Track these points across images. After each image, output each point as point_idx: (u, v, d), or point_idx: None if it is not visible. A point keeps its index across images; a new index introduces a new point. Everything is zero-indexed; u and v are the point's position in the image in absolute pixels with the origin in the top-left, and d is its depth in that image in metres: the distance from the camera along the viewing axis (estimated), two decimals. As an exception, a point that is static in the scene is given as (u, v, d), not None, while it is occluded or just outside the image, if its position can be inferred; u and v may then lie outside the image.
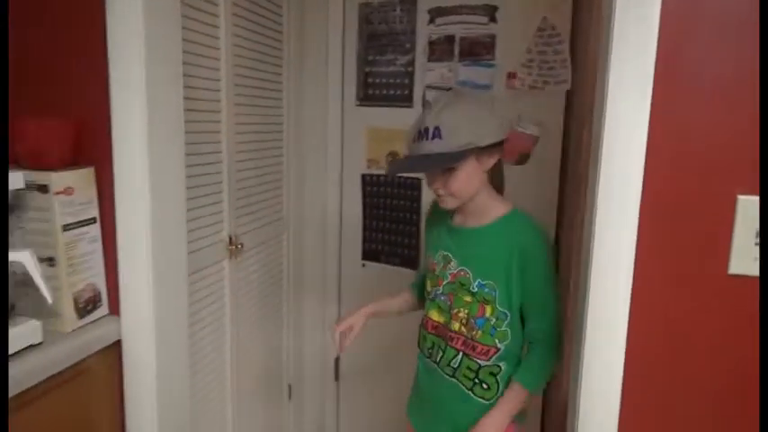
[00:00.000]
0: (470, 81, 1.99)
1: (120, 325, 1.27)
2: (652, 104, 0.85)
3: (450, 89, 1.85)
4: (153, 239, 1.23)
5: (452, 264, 1.32)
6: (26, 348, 1.08)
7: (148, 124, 1.20)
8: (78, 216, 1.20)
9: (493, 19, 1.93)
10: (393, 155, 2.15)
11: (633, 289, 0.90)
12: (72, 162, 1.22)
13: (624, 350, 0.92)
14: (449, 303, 1.32)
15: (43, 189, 1.14)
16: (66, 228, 1.17)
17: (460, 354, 1.30)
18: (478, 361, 1.29)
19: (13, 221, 1.15)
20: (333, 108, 2.23)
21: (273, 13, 1.93)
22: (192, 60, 1.44)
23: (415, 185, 2.13)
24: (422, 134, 1.20)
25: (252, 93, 1.79)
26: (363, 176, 2.21)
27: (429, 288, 1.39)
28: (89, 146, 1.24)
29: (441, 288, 1.34)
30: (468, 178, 1.23)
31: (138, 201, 1.22)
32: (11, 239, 1.13)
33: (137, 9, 1.16)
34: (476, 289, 1.27)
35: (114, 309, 1.27)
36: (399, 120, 2.08)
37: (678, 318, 0.91)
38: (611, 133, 0.87)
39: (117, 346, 1.27)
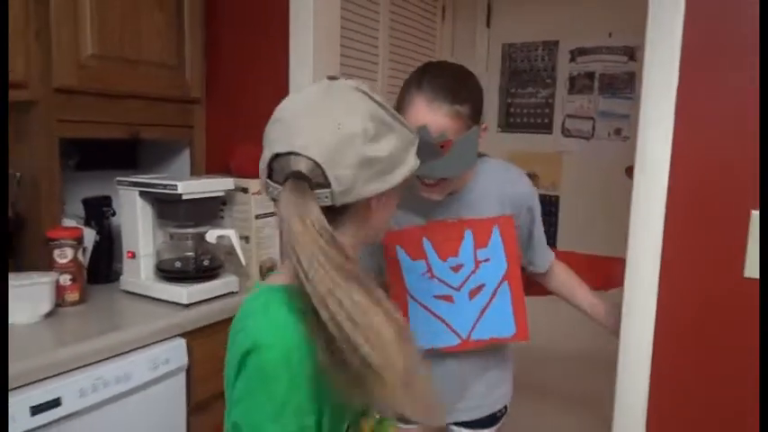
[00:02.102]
0: (610, 111, 2.20)
1: None
2: (674, 135, 1.10)
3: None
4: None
5: None
6: (228, 294, 1.48)
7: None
8: (265, 210, 1.59)
9: (632, 58, 2.13)
10: (531, 176, 2.39)
11: (660, 284, 1.13)
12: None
13: (653, 332, 1.15)
14: None
15: (245, 190, 1.56)
16: (258, 217, 1.57)
17: None
18: None
19: (225, 211, 1.60)
20: (475, 134, 2.52)
21: (427, 49, 2.29)
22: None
23: (554, 202, 2.35)
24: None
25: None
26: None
27: None
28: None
29: None
30: None
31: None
32: (223, 223, 1.58)
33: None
34: None
35: None
36: (539, 144, 2.34)
37: (699, 314, 1.11)
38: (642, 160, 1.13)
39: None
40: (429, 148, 1.00)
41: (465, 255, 1.18)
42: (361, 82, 0.77)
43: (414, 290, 1.20)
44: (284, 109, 0.75)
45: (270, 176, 0.74)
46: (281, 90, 1.59)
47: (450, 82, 1.05)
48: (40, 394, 1.02)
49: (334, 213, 0.72)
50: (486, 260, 1.18)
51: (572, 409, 2.36)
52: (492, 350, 1.26)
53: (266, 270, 1.62)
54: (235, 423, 0.69)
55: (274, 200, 0.74)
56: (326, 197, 0.70)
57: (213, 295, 1.45)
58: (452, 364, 1.22)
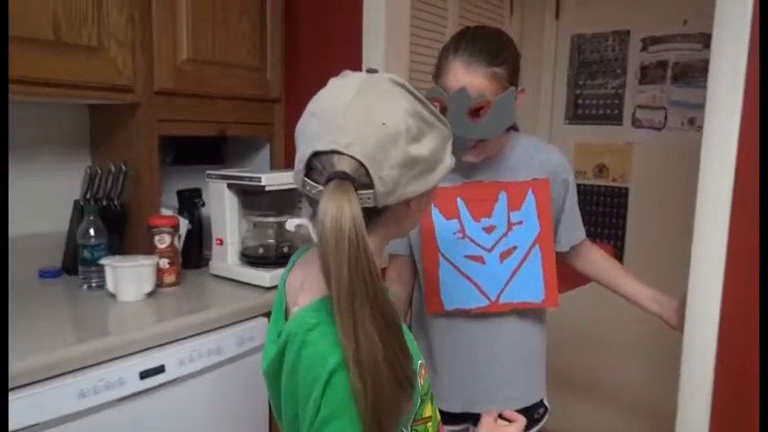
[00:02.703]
0: (683, 101, 2.15)
1: None
2: (741, 126, 1.10)
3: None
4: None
5: None
6: None
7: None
8: None
9: (707, 45, 2.06)
10: (600, 167, 2.37)
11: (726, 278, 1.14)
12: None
13: (717, 328, 1.15)
14: None
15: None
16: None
17: None
18: None
19: (303, 202, 1.67)
20: (541, 125, 2.52)
21: (500, 46, 2.31)
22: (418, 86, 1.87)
23: (623, 193, 2.32)
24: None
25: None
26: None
27: None
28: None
29: None
30: None
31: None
32: (301, 213, 1.66)
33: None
34: None
35: None
36: (608, 136, 2.32)
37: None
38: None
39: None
40: (467, 109, 1.06)
41: (498, 216, 1.21)
42: (398, 75, 0.74)
43: (445, 249, 1.22)
44: (322, 101, 0.72)
45: (308, 174, 0.70)
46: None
47: (488, 45, 1.10)
48: (148, 361, 1.17)
49: (372, 215, 0.69)
50: (520, 223, 1.20)
51: (606, 400, 2.35)
52: (523, 331, 1.26)
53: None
54: None
55: (310, 198, 0.71)
56: (369, 198, 0.67)
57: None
58: (480, 330, 1.23)
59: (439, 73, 1.12)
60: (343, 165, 0.66)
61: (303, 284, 0.76)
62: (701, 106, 2.14)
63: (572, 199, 1.27)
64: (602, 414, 2.39)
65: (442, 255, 1.22)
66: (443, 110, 1.10)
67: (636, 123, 2.28)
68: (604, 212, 2.38)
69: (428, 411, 0.79)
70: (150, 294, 1.41)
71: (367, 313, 0.62)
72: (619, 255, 2.33)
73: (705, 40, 2.07)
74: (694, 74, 2.12)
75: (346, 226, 0.62)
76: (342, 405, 0.64)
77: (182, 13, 1.53)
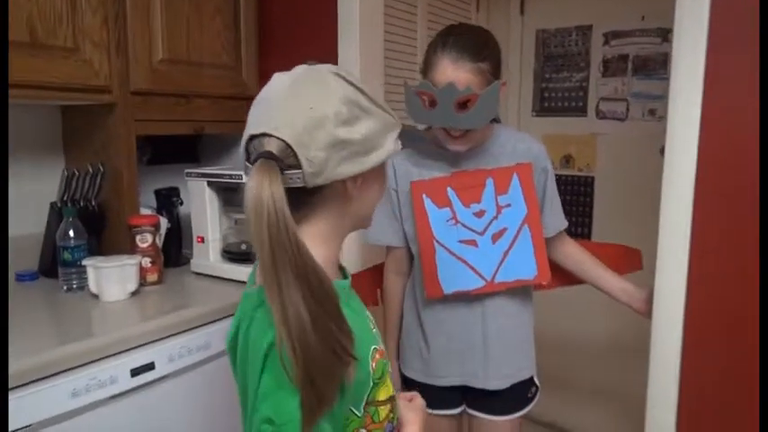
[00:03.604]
0: (644, 92, 2.25)
1: None
2: (702, 116, 1.17)
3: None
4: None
5: None
6: None
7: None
8: None
9: (666, 39, 2.17)
10: (567, 157, 2.46)
11: (691, 265, 1.20)
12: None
13: (683, 315, 1.22)
14: None
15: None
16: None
17: None
18: None
19: None
20: (511, 119, 2.60)
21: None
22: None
23: (589, 182, 2.42)
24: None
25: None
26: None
27: None
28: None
29: None
30: None
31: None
32: None
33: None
34: None
35: None
36: (574, 127, 2.41)
37: (731, 296, 1.17)
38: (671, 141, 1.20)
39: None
40: (454, 102, 1.14)
41: (487, 201, 1.29)
42: (339, 67, 0.78)
43: (440, 236, 1.29)
44: (262, 92, 0.77)
45: (248, 159, 0.74)
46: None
47: (472, 41, 1.18)
48: (138, 358, 1.19)
49: (307, 196, 0.73)
50: (508, 205, 1.28)
51: (597, 399, 2.45)
52: (514, 311, 1.34)
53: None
54: (268, 418, 0.69)
55: None
56: (298, 178, 0.70)
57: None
58: (476, 312, 1.31)
59: (427, 68, 1.20)
60: (271, 146, 0.71)
61: None
62: (660, 97, 2.27)
63: (552, 186, 1.36)
64: (583, 409, 2.49)
65: (438, 242, 1.29)
66: (432, 103, 1.17)
67: (600, 115, 2.37)
68: (572, 201, 2.47)
69: (382, 395, 0.82)
70: (134, 293, 1.41)
71: (291, 281, 0.65)
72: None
73: (663, 34, 2.17)
74: (654, 66, 2.22)
75: (265, 201, 0.65)
76: (281, 377, 0.67)
77: (156, 13, 1.53)
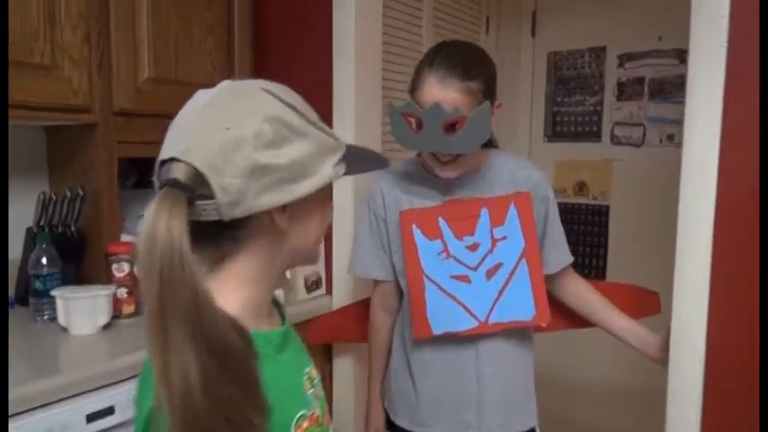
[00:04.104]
0: (661, 117, 2.13)
1: (331, 301, 1.67)
2: (721, 142, 1.06)
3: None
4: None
5: None
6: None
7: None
8: None
9: (683, 61, 2.06)
10: (580, 184, 2.34)
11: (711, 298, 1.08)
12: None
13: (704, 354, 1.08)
14: None
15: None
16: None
17: None
18: None
19: None
20: (521, 143, 2.49)
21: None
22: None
23: (604, 211, 2.29)
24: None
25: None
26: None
27: None
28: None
29: None
30: None
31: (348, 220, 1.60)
32: None
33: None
34: None
35: (329, 290, 1.70)
36: (587, 153, 2.29)
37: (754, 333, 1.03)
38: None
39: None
40: (441, 124, 1.04)
41: (481, 233, 1.17)
42: (274, 83, 0.68)
43: (430, 270, 1.18)
44: (182, 110, 0.67)
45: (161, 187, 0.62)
46: (326, 117, 1.64)
47: (462, 59, 1.08)
48: (96, 402, 1.08)
49: (231, 230, 0.62)
50: (503, 238, 1.17)
51: None
52: (512, 353, 1.22)
53: (311, 284, 1.66)
54: None
55: None
56: (213, 210, 0.60)
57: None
58: (469, 354, 1.19)
59: (414, 87, 1.11)
60: (178, 172, 0.60)
61: None
62: (678, 122, 2.14)
63: (554, 216, 1.24)
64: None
65: (427, 277, 1.18)
66: (419, 125, 1.07)
67: (615, 140, 2.26)
68: (585, 231, 2.34)
69: None
70: (106, 327, 1.32)
71: (181, 334, 0.54)
72: (601, 277, 2.29)
73: (680, 55, 2.06)
74: (671, 89, 2.11)
75: (160, 236, 0.54)
76: None
77: (142, 30, 1.47)
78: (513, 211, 1.17)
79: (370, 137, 1.69)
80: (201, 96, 0.66)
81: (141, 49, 1.47)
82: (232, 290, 0.64)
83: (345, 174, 0.69)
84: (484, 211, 1.18)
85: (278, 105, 0.64)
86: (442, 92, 1.05)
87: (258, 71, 1.80)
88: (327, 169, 0.66)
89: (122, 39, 1.43)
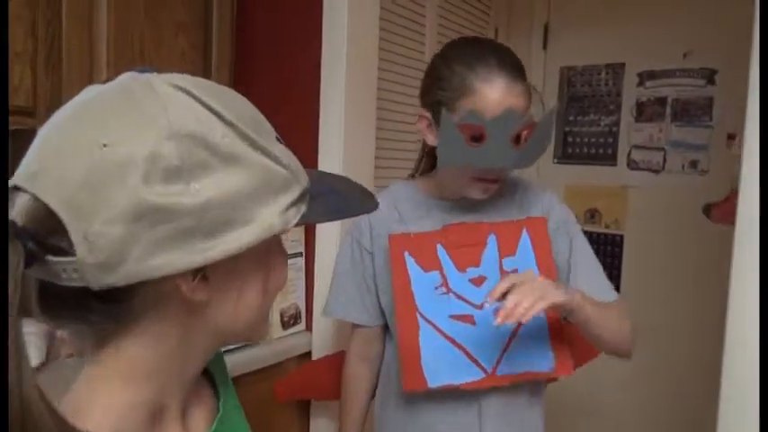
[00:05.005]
0: (683, 141, 1.94)
1: (311, 339, 1.48)
2: None
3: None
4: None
5: None
6: (243, 346, 1.29)
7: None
8: (290, 250, 1.43)
9: (711, 81, 1.87)
10: (592, 212, 2.14)
11: None
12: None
13: None
14: None
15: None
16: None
17: None
18: None
19: None
20: (529, 165, 2.30)
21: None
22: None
23: (617, 242, 2.09)
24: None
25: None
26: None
27: None
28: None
29: None
30: None
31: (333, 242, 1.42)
32: None
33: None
34: None
35: (309, 326, 1.50)
36: (601, 178, 2.10)
37: None
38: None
39: (308, 356, 1.47)
40: (512, 135, 0.88)
41: (488, 264, 0.98)
42: (203, 79, 0.46)
43: (426, 309, 0.98)
44: (54, 115, 0.46)
45: None
46: (310, 136, 1.47)
47: (515, 58, 0.92)
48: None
49: (106, 305, 0.41)
50: (515, 271, 0.97)
51: None
52: (520, 412, 1.02)
53: (288, 319, 1.46)
54: None
55: None
56: (75, 272, 0.39)
57: (233, 346, 1.30)
58: (470, 413, 0.98)
59: (458, 94, 0.90)
60: (21, 208, 0.40)
61: None
62: (703, 147, 1.95)
63: (582, 245, 1.03)
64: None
65: (422, 315, 0.97)
66: (479, 137, 0.88)
67: (632, 165, 2.07)
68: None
69: None
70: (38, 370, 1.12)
71: None
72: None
73: (708, 75, 1.88)
74: (696, 112, 1.92)
75: None
76: None
77: (101, 23, 1.27)
78: (525, 238, 0.99)
79: (360, 160, 1.50)
80: (87, 94, 0.45)
81: (99, 44, 1.28)
82: (112, 391, 0.43)
83: (306, 221, 0.47)
84: (491, 239, 0.99)
85: (197, 114, 0.42)
86: (513, 97, 0.88)
87: (239, 75, 1.61)
88: (272, 215, 0.44)
89: (76, 32, 1.24)
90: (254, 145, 0.44)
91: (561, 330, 0.98)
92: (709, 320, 1.88)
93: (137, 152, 0.39)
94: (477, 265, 0.98)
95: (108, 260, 0.39)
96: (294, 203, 0.46)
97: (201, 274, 0.43)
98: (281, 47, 1.57)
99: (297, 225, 0.46)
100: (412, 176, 1.10)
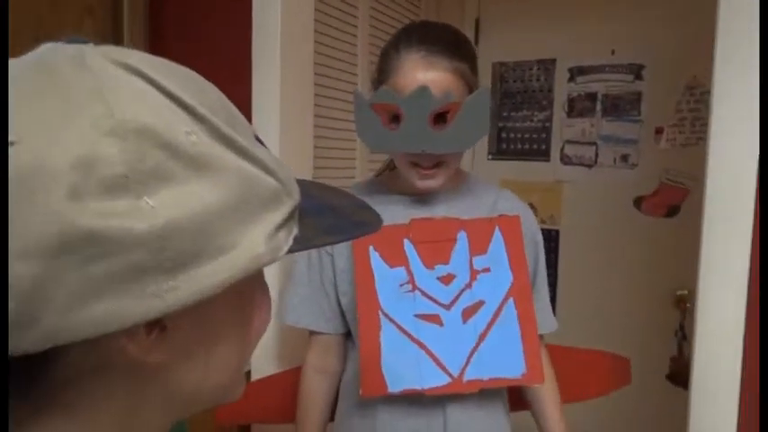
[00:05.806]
0: (614, 135, 1.97)
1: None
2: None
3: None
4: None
5: None
6: None
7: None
8: None
9: (639, 77, 1.91)
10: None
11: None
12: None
13: None
14: None
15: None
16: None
17: None
18: None
19: None
20: (463, 161, 2.27)
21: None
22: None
23: (553, 237, 2.10)
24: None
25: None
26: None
27: None
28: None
29: None
30: None
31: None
32: None
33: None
34: None
35: None
36: (535, 173, 2.10)
37: None
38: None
39: (246, 375, 1.35)
40: (430, 114, 0.82)
41: (458, 262, 0.92)
42: (160, 58, 0.35)
43: (389, 307, 0.91)
44: None
45: None
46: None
47: (446, 35, 0.88)
48: None
49: (14, 379, 0.29)
50: (486, 270, 0.93)
51: None
52: (488, 418, 0.97)
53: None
54: None
55: None
56: None
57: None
58: (435, 421, 0.92)
59: (384, 74, 0.87)
60: None
61: None
62: (633, 142, 2.00)
63: (542, 272, 1.02)
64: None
65: (385, 314, 0.90)
66: (396, 118, 0.82)
67: (565, 160, 2.08)
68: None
69: None
70: None
71: None
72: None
73: (636, 70, 1.92)
74: (625, 107, 1.96)
75: None
76: None
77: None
78: (498, 237, 0.93)
79: (300, 155, 1.39)
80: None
81: (-16, 27, 1.11)
82: None
83: (299, 247, 0.35)
84: (461, 235, 0.93)
85: (151, 102, 0.30)
86: (430, 73, 0.83)
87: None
88: (256, 240, 0.32)
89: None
90: (232, 145, 0.32)
91: (534, 333, 0.93)
92: (643, 310, 1.94)
93: (60, 154, 0.27)
94: (446, 262, 0.92)
95: (16, 315, 0.26)
96: (284, 223, 0.34)
97: (159, 327, 0.31)
98: (205, 33, 1.43)
99: (288, 252, 0.35)
100: (378, 174, 1.05)
